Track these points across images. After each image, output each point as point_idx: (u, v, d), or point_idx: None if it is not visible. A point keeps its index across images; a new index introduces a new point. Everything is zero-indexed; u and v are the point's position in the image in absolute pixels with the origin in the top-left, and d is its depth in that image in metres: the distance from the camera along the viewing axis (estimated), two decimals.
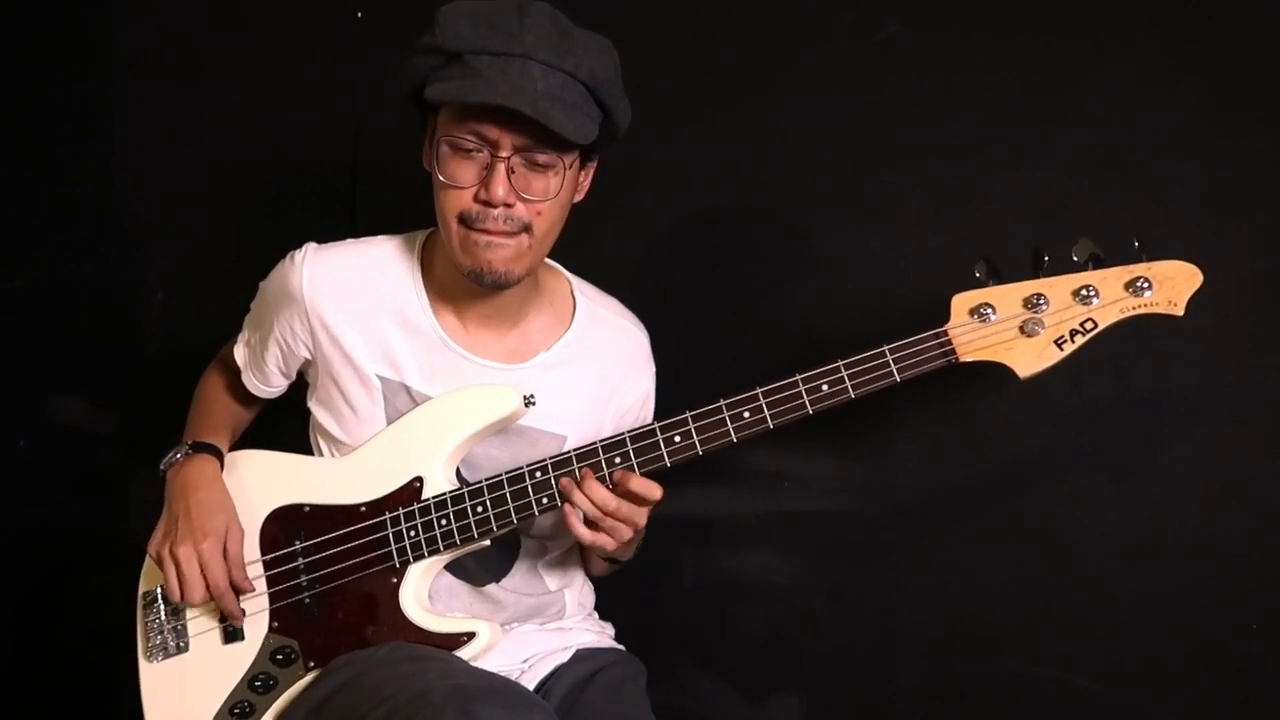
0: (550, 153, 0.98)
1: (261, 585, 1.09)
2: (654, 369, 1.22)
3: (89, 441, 1.66)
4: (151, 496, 1.12)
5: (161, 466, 1.13)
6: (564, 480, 1.03)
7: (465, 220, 1.01)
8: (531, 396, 1.07)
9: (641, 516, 1.03)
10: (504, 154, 0.98)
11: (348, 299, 1.09)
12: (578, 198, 1.07)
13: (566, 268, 1.20)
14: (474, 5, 0.98)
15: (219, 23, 1.62)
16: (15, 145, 1.69)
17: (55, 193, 1.68)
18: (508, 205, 0.99)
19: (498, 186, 0.98)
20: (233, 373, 1.20)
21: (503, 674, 1.07)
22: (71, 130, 1.67)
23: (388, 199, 1.18)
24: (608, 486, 1.01)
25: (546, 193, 1.00)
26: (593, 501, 1.01)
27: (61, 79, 1.67)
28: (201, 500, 1.08)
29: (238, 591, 1.08)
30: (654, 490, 1.01)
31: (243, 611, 1.09)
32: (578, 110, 0.98)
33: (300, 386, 1.18)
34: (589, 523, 1.02)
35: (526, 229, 1.01)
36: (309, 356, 1.13)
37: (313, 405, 1.15)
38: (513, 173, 0.98)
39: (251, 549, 1.10)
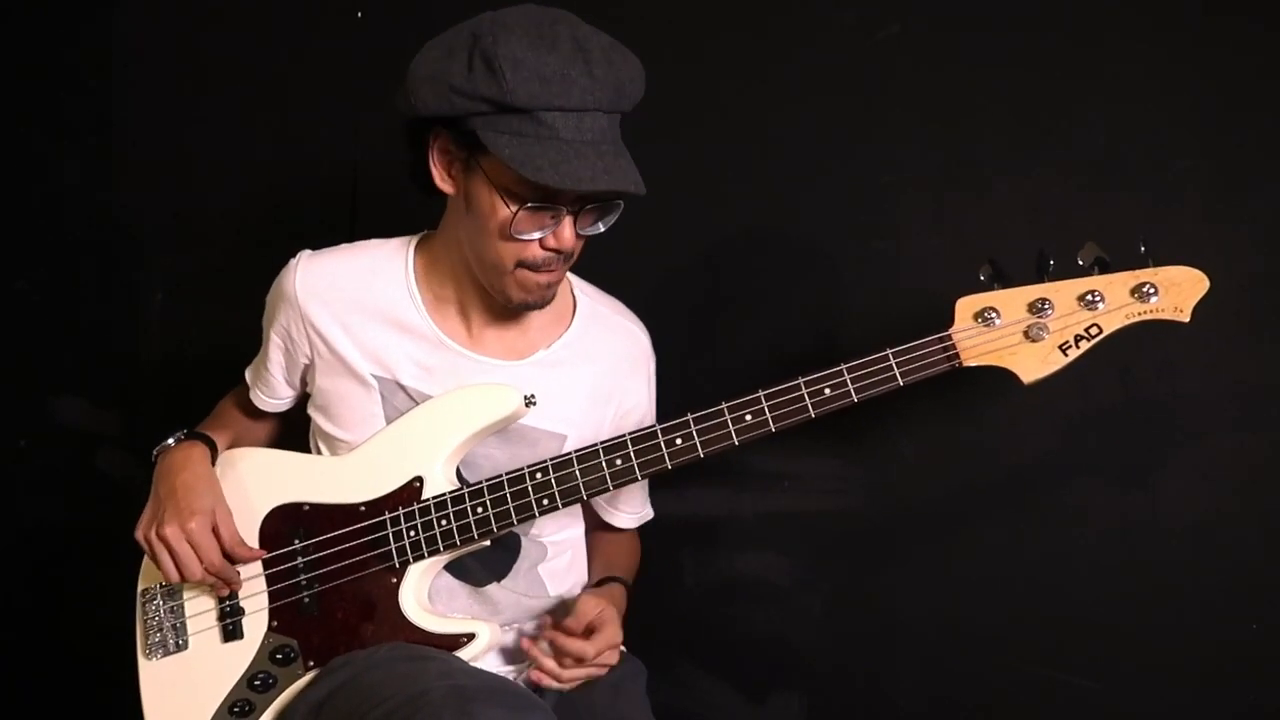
0: (619, 200, 1.00)
1: (261, 584, 1.09)
2: (654, 369, 1.21)
3: (89, 441, 1.66)
4: (149, 496, 1.12)
5: (153, 453, 1.14)
6: (533, 675, 1.04)
7: (531, 265, 1.01)
8: (532, 396, 1.07)
9: (610, 651, 1.04)
10: (575, 207, 0.98)
11: (341, 302, 1.10)
12: None
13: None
14: (527, 44, 0.93)
15: (219, 23, 1.61)
16: (15, 146, 1.68)
17: (55, 193, 1.68)
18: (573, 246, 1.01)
19: (567, 234, 0.99)
20: (245, 390, 1.22)
21: (501, 674, 1.07)
22: (71, 130, 1.67)
23: (388, 198, 1.18)
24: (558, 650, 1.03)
25: (599, 226, 1.02)
26: (570, 677, 1.03)
27: (61, 79, 1.67)
28: (185, 481, 1.07)
29: (237, 564, 1.08)
30: (587, 650, 1.02)
31: (239, 611, 1.09)
32: (624, 145, 0.99)
33: (303, 396, 1.18)
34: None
35: (569, 257, 1.03)
36: (308, 361, 1.13)
37: (312, 411, 1.16)
38: (578, 217, 0.99)
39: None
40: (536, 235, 0.99)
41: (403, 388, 1.09)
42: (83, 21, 1.67)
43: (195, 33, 1.62)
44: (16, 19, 1.67)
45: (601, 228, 1.03)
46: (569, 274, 1.18)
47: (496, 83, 0.92)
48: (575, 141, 0.94)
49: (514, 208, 0.97)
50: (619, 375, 1.16)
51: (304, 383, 1.17)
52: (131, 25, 1.65)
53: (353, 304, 1.10)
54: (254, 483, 1.12)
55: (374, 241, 1.15)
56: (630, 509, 1.23)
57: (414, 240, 1.14)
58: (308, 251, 1.12)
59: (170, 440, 1.13)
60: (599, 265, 1.22)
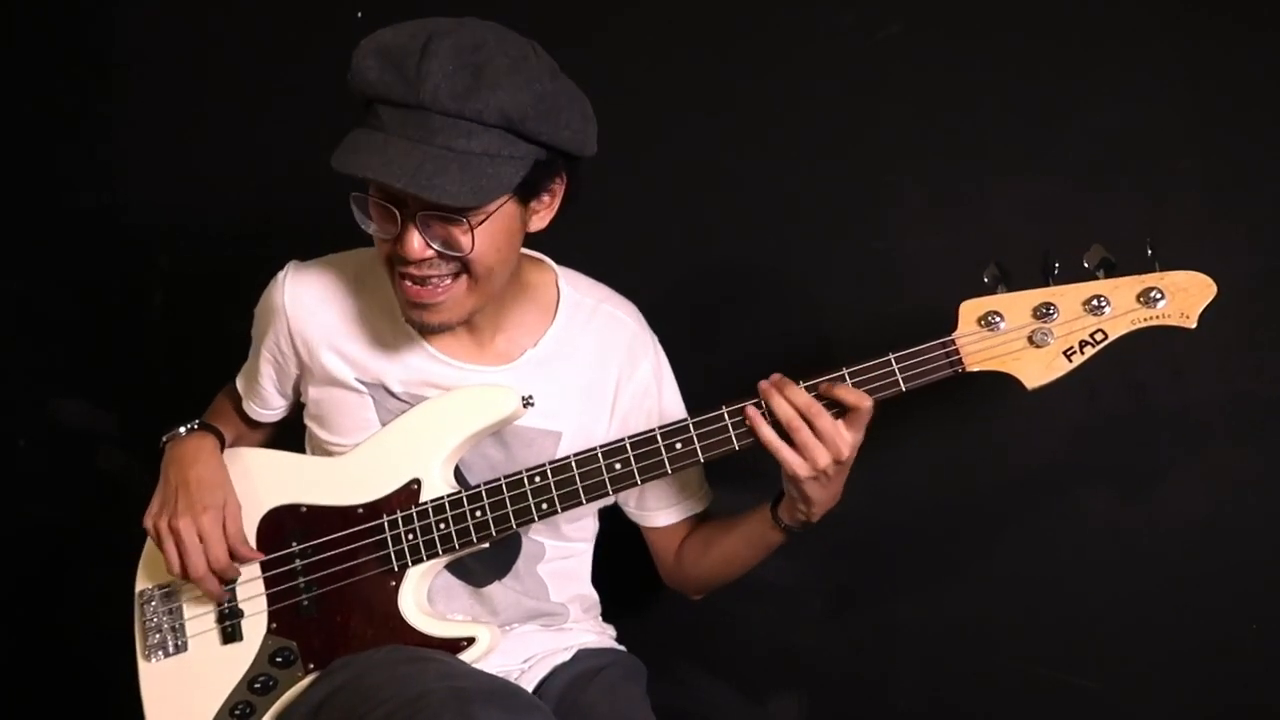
0: (454, 214, 0.92)
1: (259, 586, 1.09)
2: (653, 344, 1.17)
3: (89, 441, 1.66)
4: (151, 494, 1.11)
5: (163, 440, 1.13)
6: (762, 383, 0.97)
7: (392, 263, 0.98)
8: (530, 398, 1.06)
9: (843, 441, 0.95)
10: (410, 210, 0.93)
11: (329, 312, 1.09)
12: (537, 227, 1.03)
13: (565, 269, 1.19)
14: (391, 38, 0.92)
15: (219, 23, 1.61)
16: (16, 145, 1.68)
17: (55, 192, 1.68)
18: (424, 258, 0.95)
19: (410, 243, 0.94)
20: (238, 397, 1.22)
21: (502, 674, 1.07)
22: (71, 130, 1.67)
23: None
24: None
25: (466, 246, 0.94)
26: (793, 405, 0.94)
27: (62, 79, 1.66)
28: (200, 474, 1.07)
29: (240, 563, 1.07)
30: (864, 400, 0.94)
31: (238, 613, 1.09)
32: (489, 161, 0.90)
33: (296, 405, 1.18)
34: (784, 437, 0.96)
35: (465, 269, 0.97)
36: (299, 372, 1.13)
37: (308, 420, 1.16)
38: (427, 226, 0.93)
39: None
40: (385, 236, 0.96)
41: (395, 396, 1.09)
42: (83, 21, 1.66)
43: (195, 33, 1.62)
44: (17, 19, 1.67)
45: (462, 252, 0.94)
46: (557, 268, 1.16)
47: (349, 70, 0.94)
48: (395, 136, 0.90)
49: (352, 195, 0.96)
50: (611, 364, 1.13)
51: (297, 392, 1.17)
52: (132, 25, 1.65)
53: (340, 314, 1.09)
54: (252, 483, 1.11)
55: (362, 250, 1.13)
56: (661, 504, 1.16)
57: None
58: (295, 262, 1.12)
59: (181, 429, 1.13)
60: (600, 266, 1.22)
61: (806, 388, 0.97)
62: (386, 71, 0.91)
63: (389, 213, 0.94)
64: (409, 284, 0.98)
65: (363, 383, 1.09)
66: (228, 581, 1.08)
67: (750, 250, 1.38)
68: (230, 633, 1.09)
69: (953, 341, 0.97)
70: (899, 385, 0.97)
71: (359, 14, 1.52)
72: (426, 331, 1.02)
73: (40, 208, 1.68)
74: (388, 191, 0.93)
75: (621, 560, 1.25)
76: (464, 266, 0.97)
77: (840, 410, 0.97)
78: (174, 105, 1.63)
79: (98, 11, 1.66)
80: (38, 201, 1.69)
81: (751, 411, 0.98)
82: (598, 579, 1.24)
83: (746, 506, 1.15)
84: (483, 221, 0.95)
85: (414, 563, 1.05)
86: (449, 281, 0.98)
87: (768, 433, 0.97)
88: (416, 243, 0.94)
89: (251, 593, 1.09)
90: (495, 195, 0.93)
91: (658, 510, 1.17)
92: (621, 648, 1.22)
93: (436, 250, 0.95)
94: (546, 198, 1.02)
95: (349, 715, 0.94)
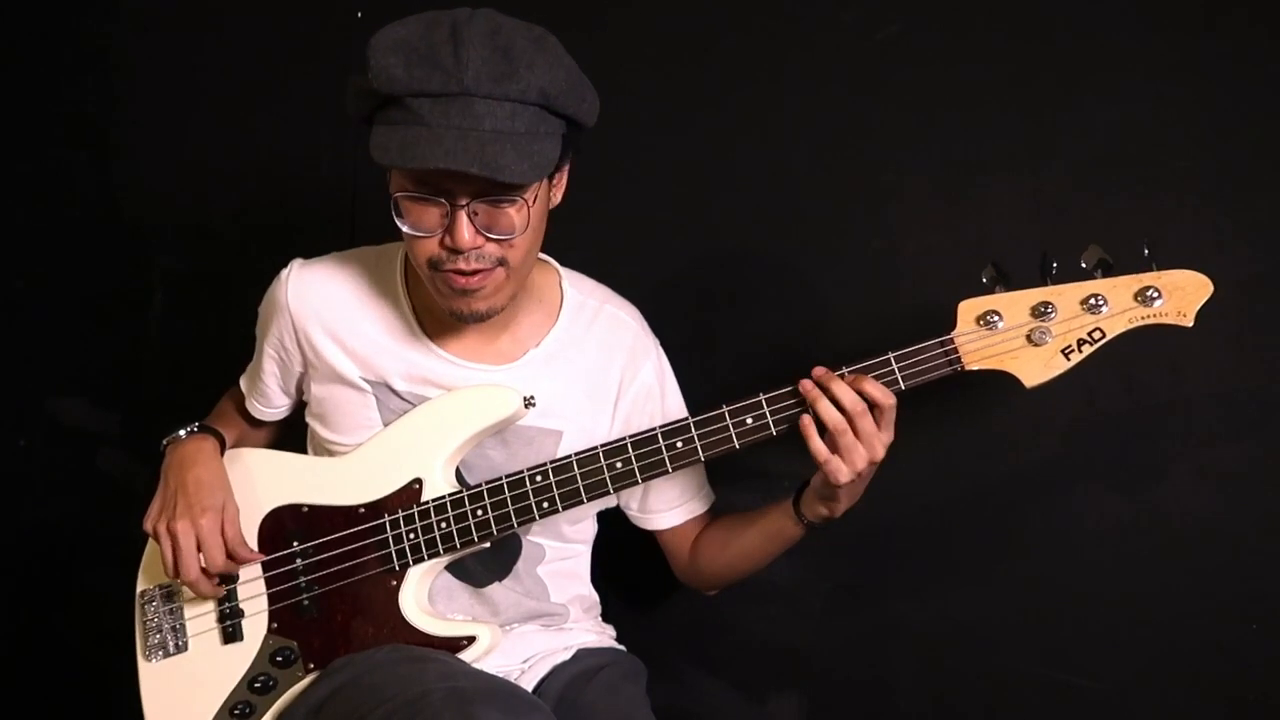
0: (510, 194, 0.94)
1: (260, 586, 1.09)
2: (655, 346, 1.18)
3: (89, 441, 1.66)
4: (152, 495, 1.11)
5: (163, 442, 1.14)
6: (805, 383, 0.97)
7: (436, 265, 0.98)
8: (532, 398, 1.06)
9: (879, 442, 0.96)
10: (462, 202, 0.94)
11: (333, 310, 1.10)
12: (554, 204, 1.05)
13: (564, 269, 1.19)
14: (406, 33, 0.92)
15: (219, 23, 1.61)
16: (15, 145, 1.69)
17: (55, 192, 1.68)
18: (476, 246, 0.96)
19: (461, 233, 0.94)
20: (242, 398, 1.23)
21: (503, 674, 1.07)
22: (72, 130, 1.67)
23: (386, 199, 1.18)
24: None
25: (514, 228, 0.96)
26: (840, 404, 0.95)
27: (62, 79, 1.67)
28: (199, 476, 1.08)
29: (239, 565, 1.08)
30: (888, 396, 0.95)
31: (239, 613, 1.09)
32: (532, 139, 0.92)
33: (299, 404, 1.19)
34: (828, 442, 0.96)
35: (501, 262, 0.98)
36: (303, 370, 1.14)
37: (310, 419, 1.16)
38: (475, 214, 0.94)
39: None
40: (427, 233, 0.95)
41: (396, 394, 1.09)
42: (83, 22, 1.67)
43: (195, 33, 1.62)
44: (17, 18, 1.67)
45: (514, 233, 0.96)
46: (560, 269, 1.17)
47: (365, 73, 0.92)
48: (441, 126, 0.90)
49: (394, 197, 0.96)
50: (613, 366, 1.14)
51: (300, 390, 1.17)
52: (131, 26, 1.65)
53: (345, 312, 1.10)
54: (254, 483, 1.12)
55: (366, 249, 1.14)
56: (663, 505, 1.17)
57: (404, 246, 1.12)
58: (299, 260, 1.13)
59: (181, 432, 1.13)
60: (601, 266, 1.22)
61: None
62: (417, 66, 0.90)
63: (434, 207, 0.94)
64: (453, 275, 0.98)
65: (367, 381, 1.10)
66: (226, 583, 1.08)
67: (750, 250, 1.38)
68: (231, 632, 1.09)
69: (951, 340, 0.98)
70: (898, 384, 0.98)
71: (359, 14, 1.53)
72: (470, 320, 1.02)
73: (40, 208, 1.68)
74: (439, 185, 0.93)
75: (621, 560, 1.25)
76: (500, 260, 0.98)
77: (867, 406, 0.97)
78: (174, 105, 1.63)
79: (98, 11, 1.66)
80: (38, 201, 1.69)
81: (806, 420, 0.97)
82: (598, 579, 1.24)
83: (747, 506, 1.16)
84: (535, 198, 0.97)
85: (415, 562, 1.06)
86: (489, 269, 0.98)
87: (818, 445, 0.97)
88: (468, 232, 0.94)
89: (252, 592, 1.09)
90: (549, 170, 0.95)
91: (661, 512, 1.18)
92: (621, 648, 1.22)
93: (486, 237, 0.96)
94: (561, 175, 1.04)
95: (350, 715, 0.94)
